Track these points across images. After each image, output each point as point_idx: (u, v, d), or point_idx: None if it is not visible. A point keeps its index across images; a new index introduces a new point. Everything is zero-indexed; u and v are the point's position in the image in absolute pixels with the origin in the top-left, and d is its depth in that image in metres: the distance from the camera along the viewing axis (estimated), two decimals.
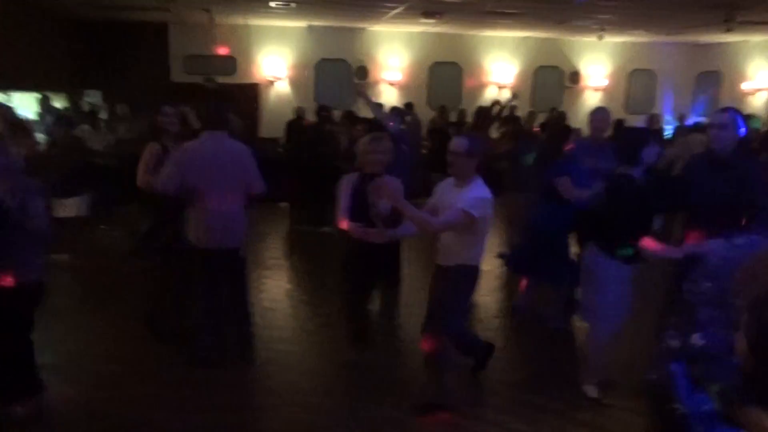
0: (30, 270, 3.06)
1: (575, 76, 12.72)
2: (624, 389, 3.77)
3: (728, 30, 8.96)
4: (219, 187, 3.70)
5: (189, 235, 3.78)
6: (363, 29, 11.77)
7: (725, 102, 12.27)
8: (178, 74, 11.21)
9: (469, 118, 9.68)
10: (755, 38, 11.43)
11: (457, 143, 3.38)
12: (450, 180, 3.50)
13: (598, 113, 4.74)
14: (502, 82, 12.27)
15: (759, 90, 11.68)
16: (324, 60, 11.80)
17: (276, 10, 9.78)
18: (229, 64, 11.46)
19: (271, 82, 11.69)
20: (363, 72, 11.83)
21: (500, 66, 12.35)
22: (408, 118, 8.87)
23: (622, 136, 4.02)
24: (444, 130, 9.69)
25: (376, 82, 11.97)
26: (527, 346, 4.78)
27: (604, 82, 12.87)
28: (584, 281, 3.69)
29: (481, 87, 12.36)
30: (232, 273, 3.88)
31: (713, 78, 12.72)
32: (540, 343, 4.69)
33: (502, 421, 3.54)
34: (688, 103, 13.01)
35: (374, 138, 3.80)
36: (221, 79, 10.73)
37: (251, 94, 11.45)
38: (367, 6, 9.40)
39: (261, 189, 3.91)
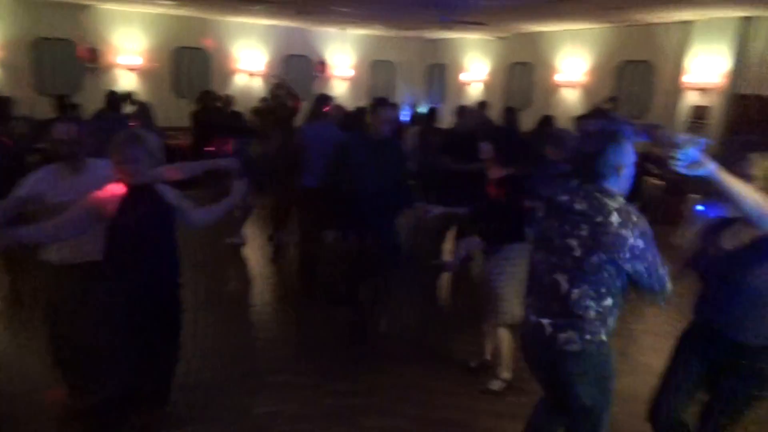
0: None
1: (323, 66, 13.23)
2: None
3: (445, 28, 10.20)
4: None
5: None
6: (89, 6, 10.54)
7: (451, 91, 14.04)
8: None
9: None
10: (470, 36, 13.23)
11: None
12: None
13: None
14: (253, 70, 12.17)
15: (474, 81, 13.56)
16: (42, 39, 10.28)
17: None
18: None
19: None
20: (94, 54, 10.62)
21: (250, 53, 12.21)
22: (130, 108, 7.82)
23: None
24: (206, 118, 8.97)
25: (109, 67, 10.86)
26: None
27: (350, 72, 13.63)
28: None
29: (230, 74, 12.09)
30: None
31: (440, 69, 14.42)
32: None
33: (248, 404, 3.56)
34: (421, 92, 14.54)
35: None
36: None
37: None
38: None
39: None
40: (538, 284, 2.31)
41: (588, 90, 11.37)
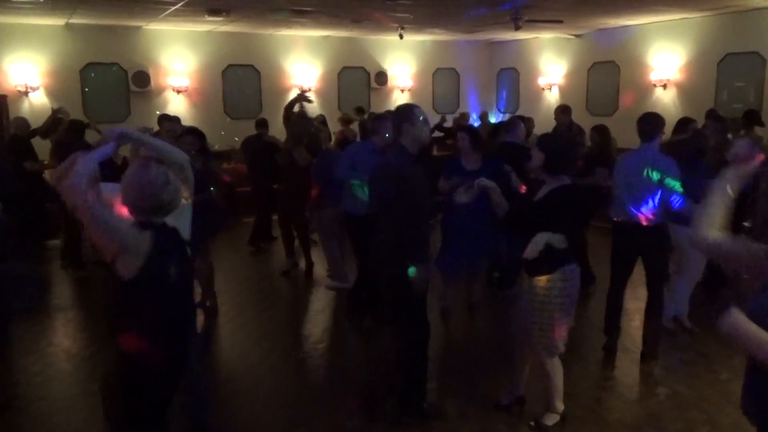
0: None
1: (381, 77, 12.31)
2: None
3: (517, 28, 9.02)
4: None
5: None
6: (138, 28, 10.14)
7: (524, 97, 12.75)
8: None
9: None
10: (544, 35, 11.92)
11: None
12: None
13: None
14: (305, 85, 11.40)
15: (553, 84, 12.20)
16: (91, 64, 9.95)
17: (19, 5, 7.89)
18: None
19: (24, 93, 9.56)
20: (143, 78, 10.18)
21: (301, 67, 11.48)
22: None
23: None
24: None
25: (160, 90, 10.41)
26: None
27: (410, 82, 12.64)
28: None
29: (282, 90, 11.39)
30: None
31: (511, 75, 13.14)
32: None
33: None
34: (491, 100, 13.33)
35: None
36: None
37: None
38: (137, 1, 7.91)
39: None
40: None
41: (684, 89, 9.85)
